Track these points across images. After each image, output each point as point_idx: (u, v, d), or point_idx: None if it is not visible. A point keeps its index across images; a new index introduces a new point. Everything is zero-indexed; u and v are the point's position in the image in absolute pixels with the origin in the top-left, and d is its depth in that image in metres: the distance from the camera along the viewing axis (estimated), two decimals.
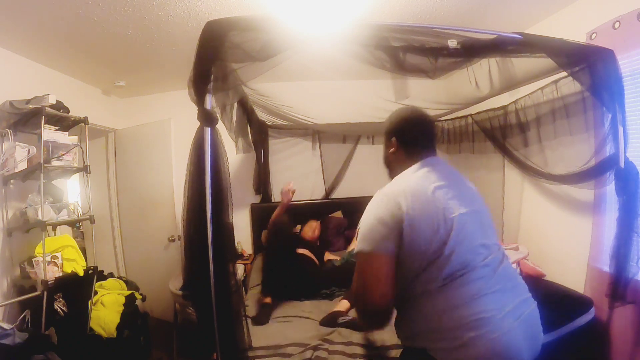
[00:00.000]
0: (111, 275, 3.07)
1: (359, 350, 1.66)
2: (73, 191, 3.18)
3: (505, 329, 0.99)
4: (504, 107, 2.72)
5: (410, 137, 1.27)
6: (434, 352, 1.01)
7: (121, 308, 2.68)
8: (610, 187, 1.85)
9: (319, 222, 3.28)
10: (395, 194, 1.09)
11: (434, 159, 1.24)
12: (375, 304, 1.02)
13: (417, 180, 1.15)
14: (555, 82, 2.15)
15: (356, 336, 1.77)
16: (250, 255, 3.68)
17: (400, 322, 1.15)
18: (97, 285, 2.68)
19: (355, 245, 3.12)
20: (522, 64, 1.78)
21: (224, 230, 1.28)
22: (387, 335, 1.64)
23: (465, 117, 3.25)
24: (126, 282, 3.03)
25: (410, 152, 1.25)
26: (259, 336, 1.80)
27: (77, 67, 2.86)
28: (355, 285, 1.07)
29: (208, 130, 1.24)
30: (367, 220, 1.10)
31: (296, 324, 2.00)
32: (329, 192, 3.82)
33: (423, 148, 1.26)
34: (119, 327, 2.55)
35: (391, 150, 1.28)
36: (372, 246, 1.05)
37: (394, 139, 1.28)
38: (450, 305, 1.01)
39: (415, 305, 1.07)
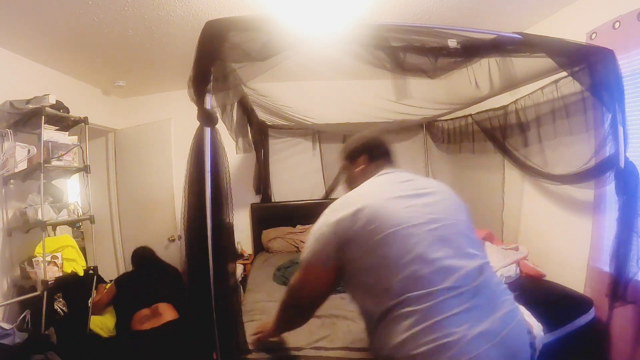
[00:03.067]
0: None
1: (355, 355, 1.58)
2: (73, 191, 3.18)
3: (474, 353, 0.86)
4: (504, 107, 2.72)
5: (380, 151, 1.28)
6: None
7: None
8: (610, 187, 1.85)
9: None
10: (353, 202, 1.04)
11: (397, 169, 1.24)
12: (306, 309, 1.16)
13: (378, 187, 1.13)
14: (555, 82, 2.15)
15: (352, 339, 1.66)
16: (250, 255, 3.68)
17: (369, 342, 1.08)
18: None
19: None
20: (522, 64, 1.78)
21: (223, 230, 1.28)
22: None
23: (465, 117, 3.25)
24: None
25: (378, 165, 1.25)
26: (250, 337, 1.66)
27: (77, 67, 2.86)
28: (294, 283, 1.13)
29: (208, 130, 1.24)
30: (316, 227, 1.07)
31: None
32: (329, 192, 3.82)
33: (388, 160, 1.28)
34: (118, 326, 2.55)
35: (360, 167, 1.27)
36: (314, 256, 1.05)
37: (363, 156, 1.27)
38: (406, 328, 0.90)
39: (376, 325, 0.98)
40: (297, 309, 1.18)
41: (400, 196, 1.07)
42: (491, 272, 1.06)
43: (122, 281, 2.62)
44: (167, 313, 2.37)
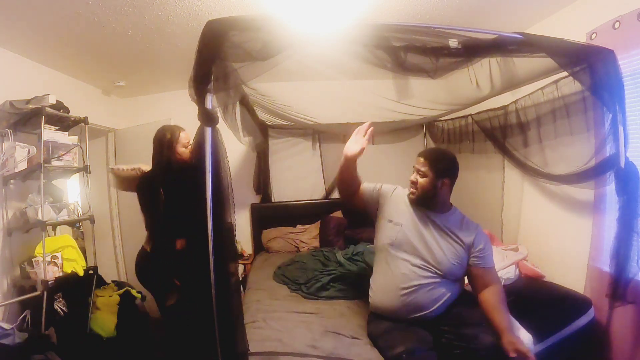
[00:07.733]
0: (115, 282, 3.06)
1: None
2: (73, 191, 3.18)
3: None
4: (504, 107, 2.72)
5: (455, 180, 1.78)
6: None
7: (116, 308, 2.68)
8: (610, 187, 1.85)
9: None
10: None
11: None
12: None
13: None
14: (556, 82, 2.15)
15: (361, 351, 1.59)
16: (250, 255, 3.67)
17: None
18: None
19: None
20: (522, 64, 1.78)
21: (224, 230, 1.28)
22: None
23: (465, 117, 3.25)
24: (119, 283, 3.02)
25: (450, 192, 1.78)
26: (252, 339, 1.60)
27: (77, 67, 2.85)
28: None
29: (209, 130, 1.24)
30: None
31: (295, 328, 1.81)
32: (329, 192, 3.81)
33: None
34: (119, 327, 2.55)
35: (443, 186, 1.72)
36: None
37: (447, 179, 1.72)
38: None
39: None
40: None
41: None
42: None
43: None
44: None
